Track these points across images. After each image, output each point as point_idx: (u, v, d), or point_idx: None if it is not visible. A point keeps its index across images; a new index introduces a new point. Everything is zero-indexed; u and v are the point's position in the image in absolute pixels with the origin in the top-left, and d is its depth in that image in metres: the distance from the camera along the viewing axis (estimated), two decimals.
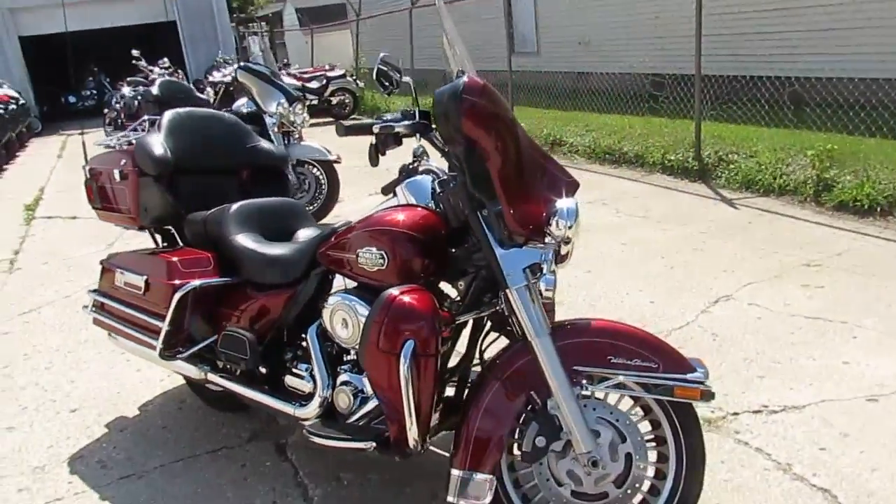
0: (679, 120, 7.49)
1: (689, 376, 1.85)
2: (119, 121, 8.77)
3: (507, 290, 1.83)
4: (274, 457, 2.62)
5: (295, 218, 2.67)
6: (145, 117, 7.00)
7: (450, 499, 1.86)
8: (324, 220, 5.74)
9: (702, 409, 2.20)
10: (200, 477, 2.53)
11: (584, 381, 1.86)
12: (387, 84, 2.17)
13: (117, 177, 2.75)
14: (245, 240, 2.46)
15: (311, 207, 5.77)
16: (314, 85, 12.29)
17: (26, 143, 13.98)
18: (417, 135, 2.05)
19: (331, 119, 12.62)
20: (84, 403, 3.14)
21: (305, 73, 13.09)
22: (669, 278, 3.95)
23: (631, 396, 1.92)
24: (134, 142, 3.05)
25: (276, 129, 5.62)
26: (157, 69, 10.27)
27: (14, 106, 12.36)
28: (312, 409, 2.16)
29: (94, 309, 2.82)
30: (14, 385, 3.39)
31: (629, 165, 6.96)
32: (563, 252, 1.88)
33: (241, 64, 6.02)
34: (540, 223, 1.80)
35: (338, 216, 5.84)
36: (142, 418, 2.99)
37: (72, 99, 19.25)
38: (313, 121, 12.38)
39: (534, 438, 1.86)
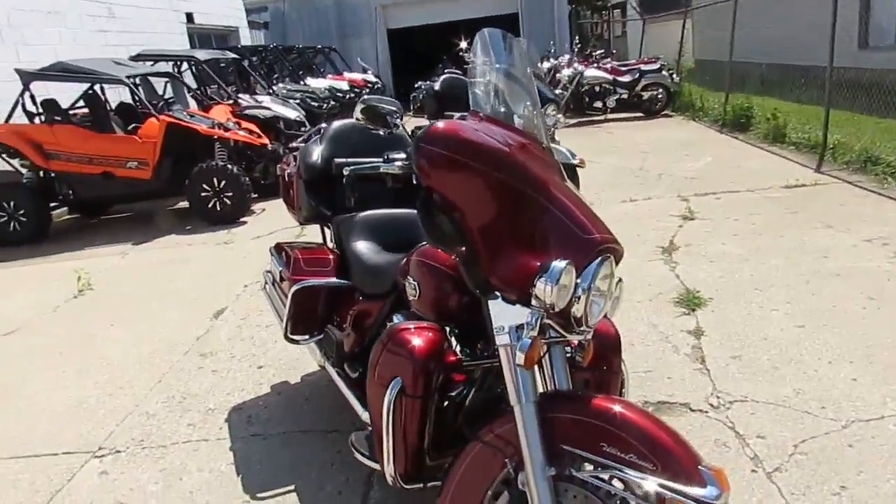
0: None
1: (689, 491, 1.52)
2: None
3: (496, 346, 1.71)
4: None
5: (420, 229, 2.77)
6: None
7: None
8: None
9: None
10: (303, 452, 2.83)
11: (567, 463, 1.66)
12: (377, 125, 1.94)
13: (293, 176, 3.14)
14: (359, 246, 2.64)
15: None
16: (626, 79, 12.01)
17: None
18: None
19: (640, 114, 12.24)
20: (269, 363, 3.69)
21: (625, 65, 12.82)
22: None
23: (604, 493, 1.65)
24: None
25: None
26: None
27: (368, 89, 14.41)
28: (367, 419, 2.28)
29: (263, 287, 3.29)
30: (238, 335, 4.12)
31: None
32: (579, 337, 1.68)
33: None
34: (524, 281, 1.63)
35: None
36: (297, 387, 3.41)
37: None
38: (622, 115, 12.20)
39: None
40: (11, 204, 7.17)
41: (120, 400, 3.44)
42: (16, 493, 2.72)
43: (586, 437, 1.65)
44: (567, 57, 13.62)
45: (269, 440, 2.94)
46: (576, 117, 12.41)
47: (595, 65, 12.66)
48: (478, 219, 1.66)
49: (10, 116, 7.14)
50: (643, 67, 12.13)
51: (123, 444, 3.01)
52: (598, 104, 12.06)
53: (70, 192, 7.38)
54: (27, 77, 7.05)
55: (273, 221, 6.77)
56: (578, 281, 1.64)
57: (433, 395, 1.87)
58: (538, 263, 1.63)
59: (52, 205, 7.56)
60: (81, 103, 7.63)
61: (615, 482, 1.65)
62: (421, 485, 1.94)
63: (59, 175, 7.25)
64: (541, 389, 1.81)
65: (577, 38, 16.91)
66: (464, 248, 1.67)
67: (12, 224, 7.20)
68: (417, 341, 1.85)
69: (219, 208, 7.12)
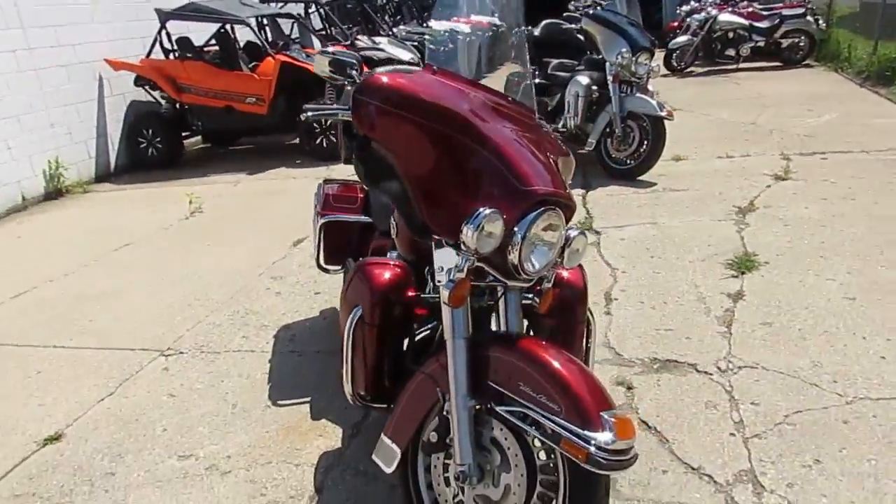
0: None
1: (584, 432, 1.64)
2: None
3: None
4: None
5: None
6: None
7: (373, 454, 2.07)
8: (641, 178, 5.61)
9: None
10: (329, 370, 3.13)
11: (491, 397, 1.81)
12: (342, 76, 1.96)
13: None
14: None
15: (629, 163, 5.67)
16: (764, 24, 11.13)
17: None
18: None
19: (778, 64, 11.36)
20: (326, 291, 4.02)
21: (767, 8, 11.84)
22: None
23: (518, 428, 1.78)
24: None
25: (611, 78, 5.60)
26: None
27: (492, 31, 14.33)
28: None
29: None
30: (308, 263, 4.49)
31: None
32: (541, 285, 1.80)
33: (586, 11, 6.03)
34: (456, 227, 1.74)
35: (662, 175, 5.63)
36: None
37: None
38: (758, 64, 11.37)
39: (429, 433, 1.91)
40: (150, 131, 8.00)
41: (196, 310, 3.92)
42: (95, 377, 3.25)
43: (508, 375, 1.79)
44: None
45: (304, 357, 3.28)
46: (705, 66, 11.73)
47: (731, 8, 11.79)
48: (413, 166, 1.79)
49: (150, 52, 7.89)
50: (785, 12, 11.17)
51: (187, 347, 3.47)
52: (731, 52, 11.31)
53: (199, 123, 8.13)
54: (164, 16, 7.73)
55: None
56: (516, 230, 1.74)
57: (391, 325, 2.06)
58: (468, 209, 1.74)
59: (185, 134, 8.35)
60: (213, 41, 8.27)
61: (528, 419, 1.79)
62: (378, 405, 2.17)
63: (189, 107, 7.98)
64: (502, 328, 1.96)
65: None
66: (400, 194, 1.82)
67: (150, 150, 8.05)
68: (378, 275, 2.05)
69: (325, 145, 7.56)
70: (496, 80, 2.22)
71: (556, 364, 1.75)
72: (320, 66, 1.96)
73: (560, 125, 6.15)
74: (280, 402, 2.91)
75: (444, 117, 1.79)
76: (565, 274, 2.17)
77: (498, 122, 1.90)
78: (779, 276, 3.64)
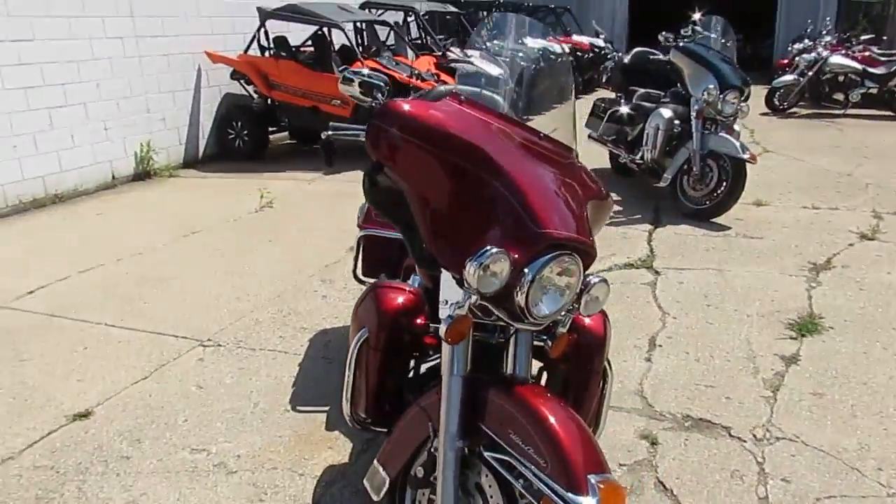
0: None
1: (567, 493, 1.55)
2: None
3: None
4: None
5: None
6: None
7: (364, 479, 2.04)
8: (715, 220, 5.38)
9: None
10: None
11: (482, 441, 1.75)
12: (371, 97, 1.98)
13: None
14: None
15: (705, 203, 5.44)
16: (879, 70, 10.48)
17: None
18: None
19: (890, 113, 10.67)
20: None
21: (887, 54, 11.17)
22: None
23: (503, 478, 1.70)
24: None
25: (695, 115, 5.40)
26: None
27: (591, 54, 14.16)
28: None
29: None
30: None
31: None
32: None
33: (677, 44, 5.82)
34: (461, 262, 1.69)
35: (738, 219, 5.38)
36: None
37: None
38: (865, 112, 10.71)
39: (417, 467, 1.86)
40: (239, 124, 8.31)
41: (243, 304, 4.02)
42: (135, 359, 3.37)
43: (500, 421, 1.72)
44: (827, 39, 12.09)
45: (333, 364, 3.29)
46: (809, 108, 11.16)
47: (845, 51, 11.16)
48: (423, 196, 1.75)
49: (247, 48, 8.21)
50: None
51: (226, 341, 3.56)
52: (839, 96, 10.71)
53: (286, 119, 8.39)
54: (264, 15, 8.02)
55: None
56: (526, 271, 1.67)
57: (396, 351, 2.02)
58: (474, 247, 1.69)
59: (272, 129, 8.62)
60: (310, 43, 8.53)
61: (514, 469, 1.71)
62: (377, 429, 2.13)
63: (278, 104, 8.24)
64: (509, 371, 1.89)
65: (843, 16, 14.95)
66: (409, 221, 1.78)
67: (237, 141, 8.36)
68: (390, 300, 2.02)
69: None
70: (537, 113, 2.16)
71: (550, 417, 1.67)
72: (348, 86, 1.95)
73: (637, 157, 5.99)
74: (299, 408, 2.93)
75: (461, 150, 1.73)
76: (586, 320, 2.08)
77: (522, 158, 1.83)
78: (842, 343, 3.39)
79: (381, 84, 1.95)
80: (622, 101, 6.60)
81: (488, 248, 1.62)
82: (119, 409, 2.95)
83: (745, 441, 2.64)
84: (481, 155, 1.74)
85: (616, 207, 5.81)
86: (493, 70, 7.25)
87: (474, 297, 1.68)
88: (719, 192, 5.37)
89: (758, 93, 8.99)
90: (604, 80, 7.76)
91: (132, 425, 2.82)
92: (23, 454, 2.65)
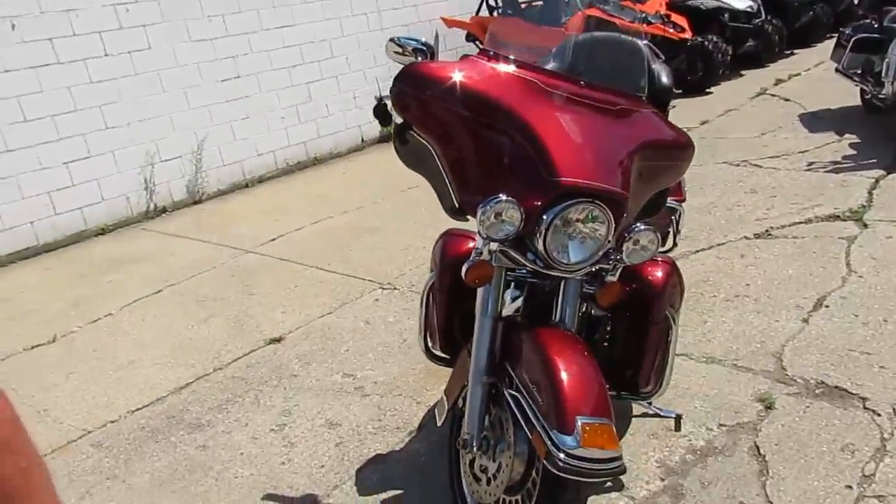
0: None
1: (552, 430, 1.66)
2: None
3: None
4: None
5: None
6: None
7: (436, 405, 2.30)
8: None
9: None
10: None
11: (503, 378, 1.90)
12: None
13: None
14: None
15: None
16: None
17: None
18: None
19: None
20: None
21: None
22: None
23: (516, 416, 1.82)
24: None
25: None
26: None
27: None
28: None
29: None
30: None
31: None
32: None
33: None
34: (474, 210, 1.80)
35: None
36: None
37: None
38: None
39: (460, 398, 2.07)
40: None
41: (426, 253, 4.44)
42: (327, 297, 4.00)
43: (518, 360, 1.88)
44: None
45: None
46: None
47: None
48: (447, 152, 1.90)
49: (478, 10, 8.59)
50: None
51: (402, 285, 4.03)
52: None
53: None
54: None
55: None
56: (544, 217, 1.77)
57: (457, 292, 2.21)
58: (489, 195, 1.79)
59: None
60: None
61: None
62: (448, 364, 2.37)
63: None
64: (557, 318, 2.02)
65: None
66: (437, 175, 1.95)
67: None
68: (454, 245, 2.23)
69: None
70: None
71: (558, 360, 1.77)
72: (390, 50, 2.15)
73: (882, 91, 5.16)
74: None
75: (479, 107, 1.83)
76: (648, 270, 2.09)
77: (550, 110, 1.88)
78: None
79: (422, 47, 2.13)
80: (874, 24, 5.67)
81: (499, 196, 1.75)
82: (303, 336, 3.58)
83: (879, 415, 2.37)
84: (501, 109, 1.84)
85: (848, 151, 5.11)
86: (739, 3, 7.06)
87: (493, 244, 1.83)
88: None
89: None
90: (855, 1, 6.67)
91: (308, 350, 3.42)
92: (228, 367, 3.39)
